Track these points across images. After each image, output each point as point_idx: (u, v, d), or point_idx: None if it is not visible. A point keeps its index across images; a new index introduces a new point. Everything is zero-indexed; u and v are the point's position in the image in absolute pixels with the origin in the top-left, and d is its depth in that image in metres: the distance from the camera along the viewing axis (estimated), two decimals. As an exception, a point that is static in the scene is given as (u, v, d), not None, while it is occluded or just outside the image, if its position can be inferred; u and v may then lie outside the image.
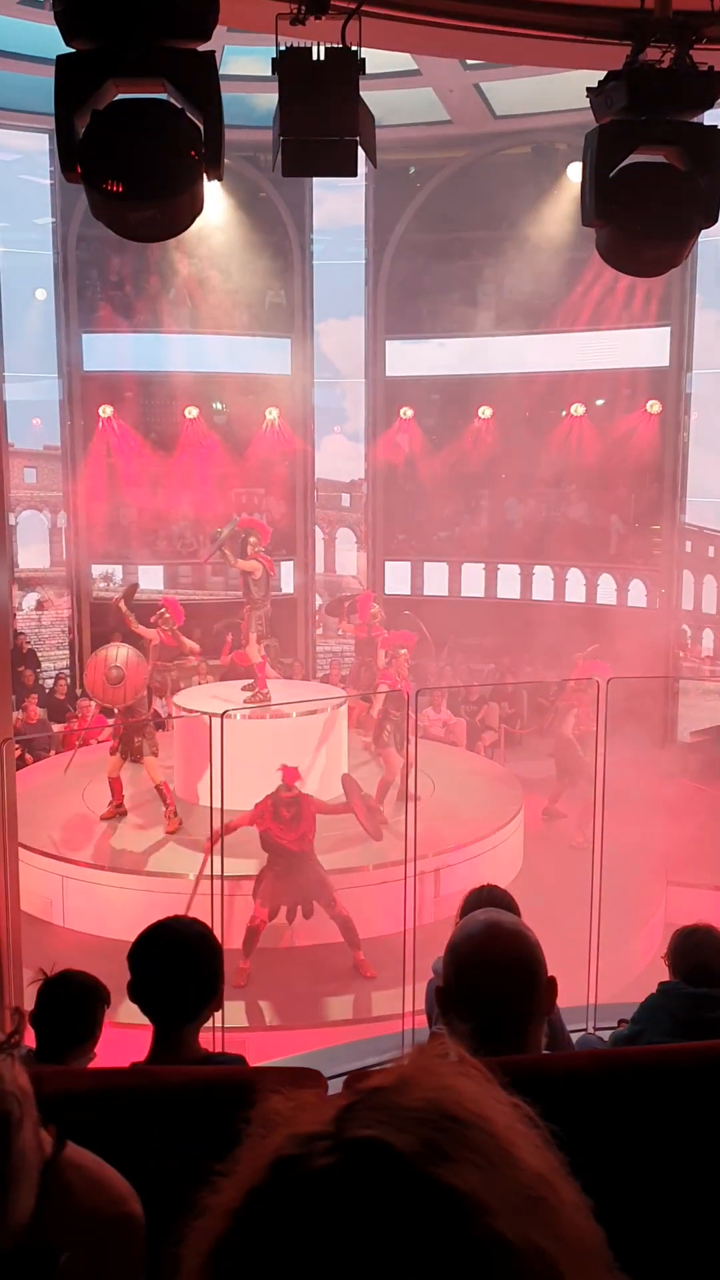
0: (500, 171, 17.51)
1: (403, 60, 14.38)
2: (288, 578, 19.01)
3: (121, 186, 4.35)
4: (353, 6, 5.10)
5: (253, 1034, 8.56)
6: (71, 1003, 3.84)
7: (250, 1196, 0.75)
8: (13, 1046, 1.07)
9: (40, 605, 18.88)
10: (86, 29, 4.37)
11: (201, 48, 4.54)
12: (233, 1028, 7.43)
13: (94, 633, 17.99)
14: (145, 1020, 3.03)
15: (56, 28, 4.49)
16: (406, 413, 18.87)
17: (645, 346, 17.41)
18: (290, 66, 5.07)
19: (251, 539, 12.15)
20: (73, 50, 4.48)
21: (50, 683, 17.14)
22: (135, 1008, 3.02)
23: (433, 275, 18.25)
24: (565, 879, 9.97)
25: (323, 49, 5.14)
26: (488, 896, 4.01)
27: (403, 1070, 0.82)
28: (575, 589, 18.34)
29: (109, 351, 18.36)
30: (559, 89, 14.58)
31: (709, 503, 17.37)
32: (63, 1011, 3.76)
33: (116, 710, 11.74)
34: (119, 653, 11.46)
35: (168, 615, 12.58)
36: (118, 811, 11.59)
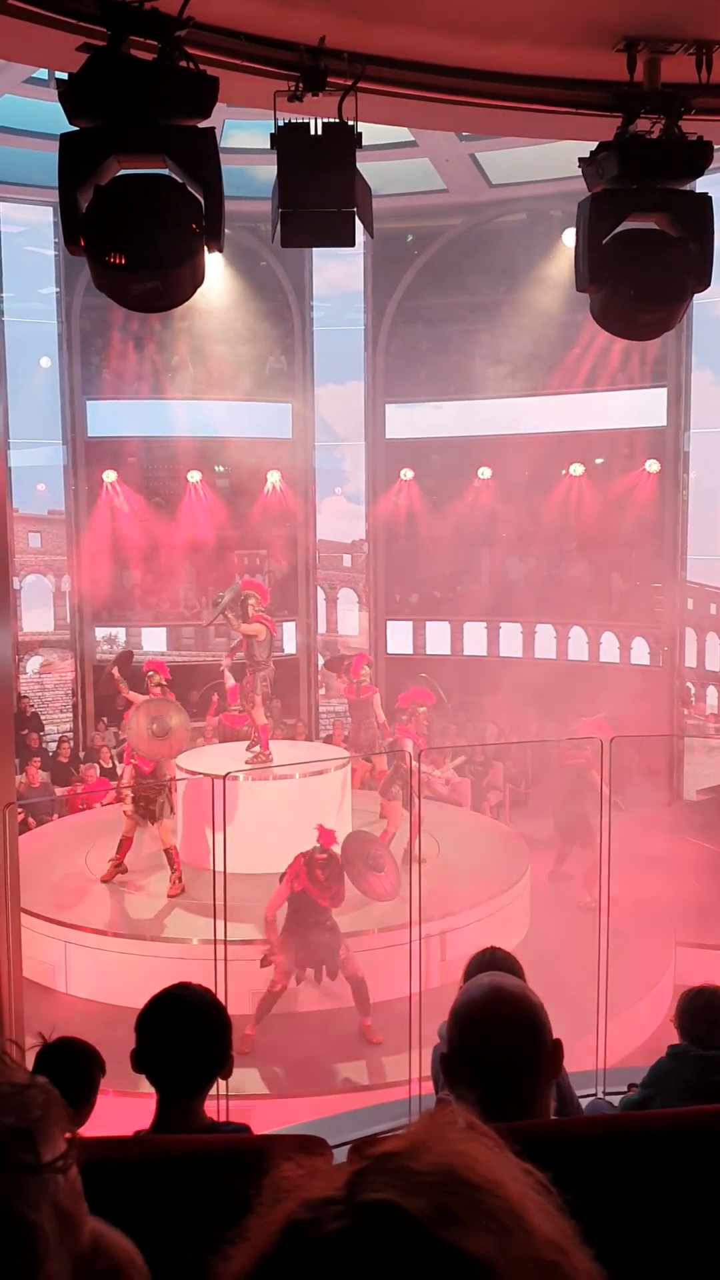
0: (496, 237, 17.82)
1: (400, 131, 14.70)
2: (289, 638, 19.06)
3: (124, 259, 4.44)
4: (349, 83, 5.23)
5: (257, 1101, 8.43)
6: (67, 1069, 3.80)
7: (262, 1262, 0.75)
8: (65, 1163, 0.95)
9: (44, 668, 18.90)
10: (90, 109, 4.48)
11: (202, 124, 4.66)
12: (237, 1095, 7.32)
13: (97, 695, 17.99)
14: (146, 1088, 2.99)
15: (60, 106, 4.61)
16: (407, 474, 19.04)
17: (643, 407, 17.60)
18: (289, 141, 5.19)
19: (251, 600, 12.23)
20: (76, 128, 4.59)
21: (53, 746, 17.12)
22: (135, 1074, 2.98)
23: (431, 339, 18.50)
24: (572, 941, 9.87)
25: (320, 124, 5.27)
26: (491, 960, 3.97)
27: (413, 1135, 0.81)
28: (578, 647, 18.36)
29: (112, 417, 18.57)
30: (552, 158, 14.90)
31: (709, 560, 17.45)
32: (58, 1078, 3.72)
33: (134, 765, 11.69)
34: (164, 710, 11.54)
35: (158, 676, 12.58)
36: (117, 871, 11.51)
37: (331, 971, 9.37)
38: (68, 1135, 0.90)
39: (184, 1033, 2.95)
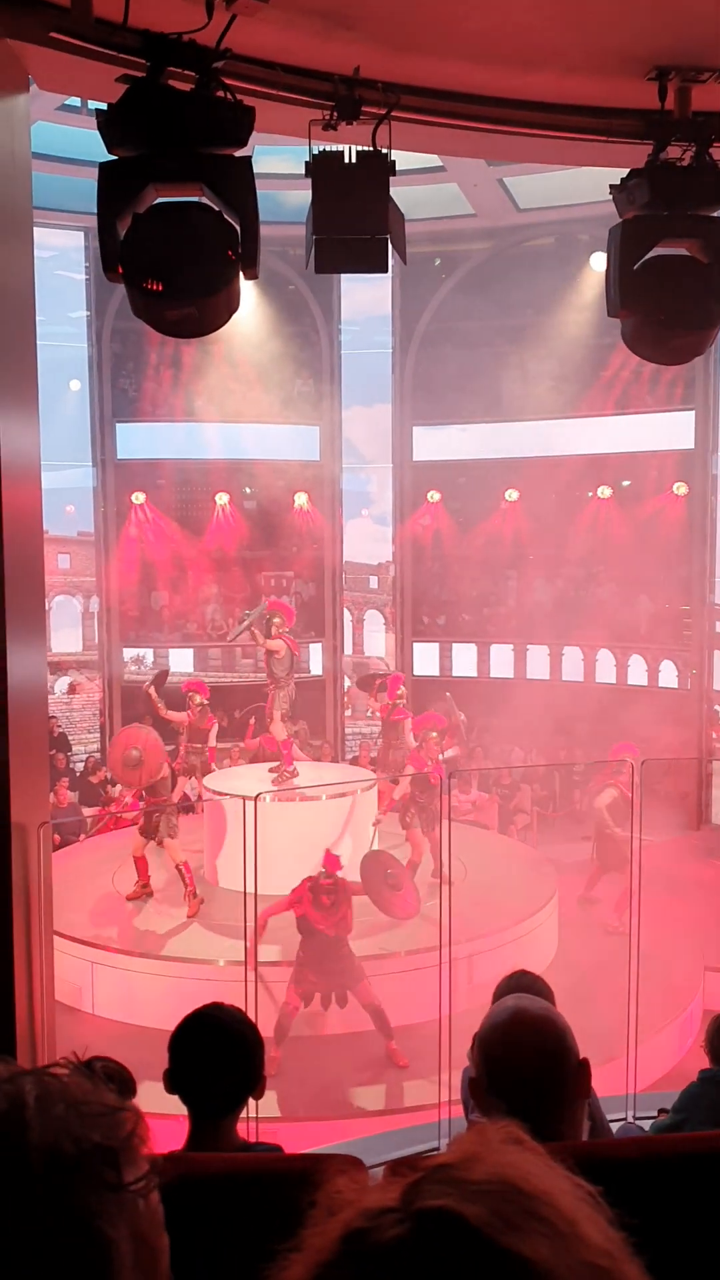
0: (524, 261, 17.90)
1: (428, 156, 14.82)
2: (316, 659, 19.11)
3: (161, 286, 4.50)
4: (382, 112, 5.30)
5: (283, 1124, 8.41)
6: None
7: (322, 1269, 0.76)
8: (144, 1187, 0.96)
9: (72, 689, 19.02)
10: (129, 138, 4.56)
11: (238, 153, 4.74)
12: (265, 1118, 7.31)
13: (125, 715, 18.08)
14: (172, 1109, 2.99)
15: (97, 132, 4.69)
16: (434, 496, 19.08)
17: (670, 429, 17.61)
18: (323, 169, 5.25)
19: (276, 619, 12.31)
20: (115, 157, 4.67)
21: (81, 766, 17.20)
22: (163, 1095, 2.98)
23: (458, 363, 18.57)
24: (601, 965, 9.82)
25: (354, 151, 5.33)
26: (520, 983, 3.97)
27: (464, 1148, 0.83)
28: (605, 670, 18.32)
29: (141, 440, 18.74)
30: (581, 182, 14.96)
31: (738, 583, 17.39)
32: None
33: (136, 791, 11.79)
34: (138, 736, 11.56)
35: (198, 697, 12.65)
36: (144, 892, 11.56)
37: (341, 999, 9.33)
38: (149, 1162, 0.91)
39: (218, 1052, 2.96)
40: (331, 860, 9.53)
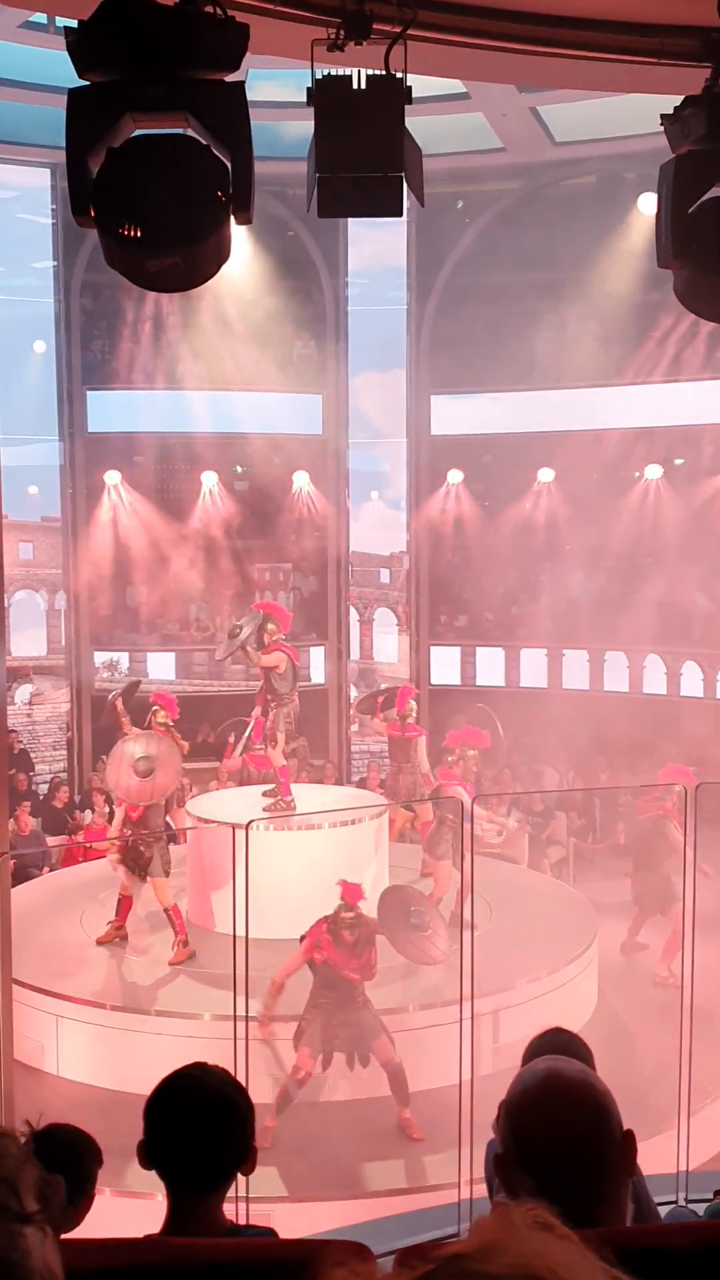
0: (560, 204, 17.91)
1: (451, 82, 14.83)
2: (317, 666, 19.13)
3: (140, 231, 4.50)
4: (397, 30, 5.30)
5: (279, 1204, 8.41)
6: (58, 1160, 3.82)
7: None
8: (44, 1218, 1.10)
9: (34, 698, 19.05)
10: (103, 61, 4.56)
11: (230, 78, 4.74)
12: (263, 1197, 7.32)
13: (96, 729, 18.10)
14: (149, 1187, 2.99)
15: (65, 54, 4.69)
16: (455, 476, 19.09)
17: (730, 399, 17.62)
18: (328, 96, 5.25)
19: (270, 625, 12.27)
20: (87, 83, 4.67)
21: (45, 788, 17.22)
22: (138, 1170, 2.98)
23: (484, 322, 18.58)
24: (649, 1023, 9.82)
25: (364, 76, 5.33)
26: (554, 1043, 3.96)
27: (483, 1236, 0.82)
28: (654, 679, 18.30)
29: (116, 410, 18.77)
30: (627, 112, 14.95)
31: None
32: (48, 1171, 3.75)
33: (122, 811, 11.75)
34: (147, 745, 11.55)
35: (163, 714, 12.58)
36: (117, 934, 11.56)
37: (363, 1058, 9.32)
38: (48, 1191, 1.01)
39: (202, 1120, 2.96)
40: (352, 890, 9.46)
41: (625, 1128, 2.24)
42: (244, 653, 12.60)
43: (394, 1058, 9.29)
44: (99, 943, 11.55)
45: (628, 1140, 2.22)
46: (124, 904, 11.59)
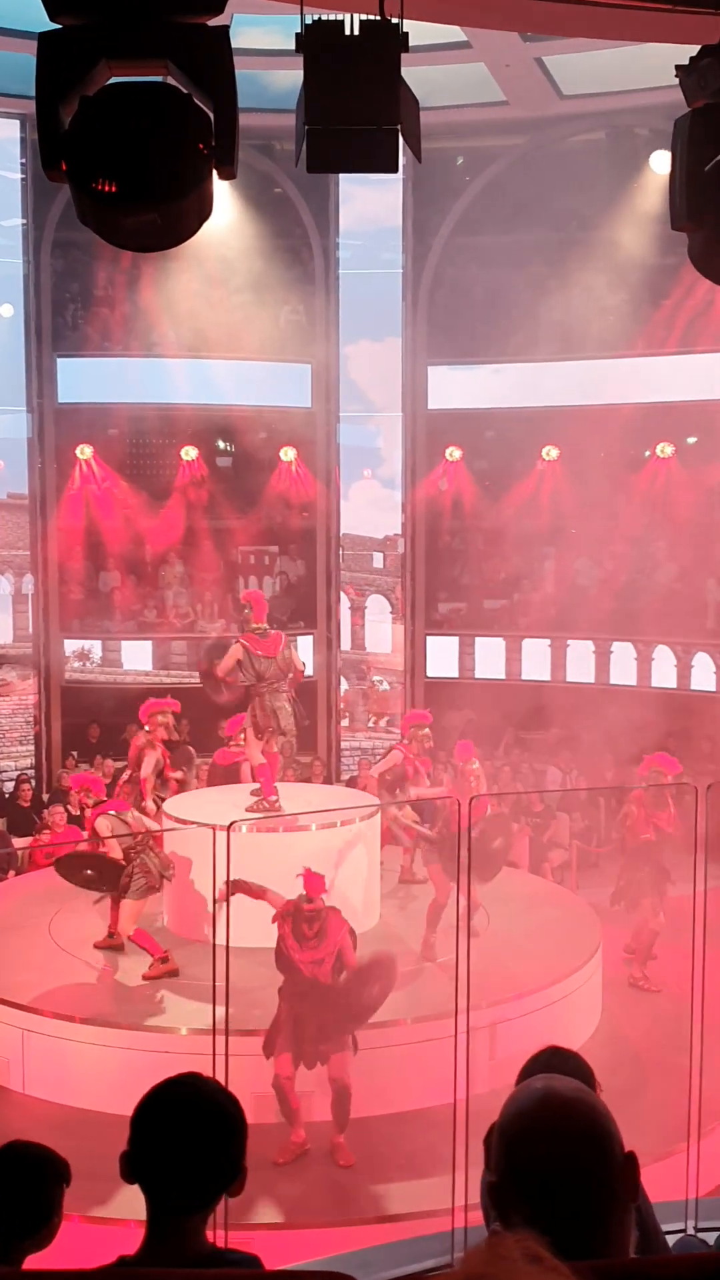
0: (567, 162, 17.90)
1: (449, 29, 14.80)
2: (306, 656, 19.09)
3: (115, 186, 4.49)
4: (393, -28, 5.28)
5: (257, 1232, 8.43)
6: (21, 1179, 3.82)
7: None
8: None
9: (-1, 689, 19.02)
10: (76, 4, 4.54)
11: (213, 22, 4.72)
12: (236, 1225, 7.33)
13: (65, 724, 18.08)
14: (124, 1212, 2.99)
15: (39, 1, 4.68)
16: (453, 453, 19.10)
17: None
18: (318, 43, 5.23)
19: (245, 612, 12.36)
20: (59, 27, 4.66)
21: (10, 786, 17.20)
22: (107, 1194, 2.98)
23: (485, 287, 18.57)
24: (654, 1038, 9.84)
25: (357, 21, 5.31)
26: (551, 1062, 3.96)
27: (472, 1267, 0.82)
28: (664, 671, 18.33)
29: (90, 380, 18.73)
30: (639, 63, 14.95)
31: None
32: (10, 1192, 3.76)
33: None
34: (114, 824, 11.48)
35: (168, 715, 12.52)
36: (111, 943, 11.59)
37: (310, 1060, 9.35)
38: None
39: (194, 1133, 2.95)
40: (313, 881, 9.49)
41: (627, 1150, 2.25)
42: (239, 670, 12.46)
43: (344, 1077, 9.32)
44: (96, 947, 11.59)
45: (629, 1163, 2.22)
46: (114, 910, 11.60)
